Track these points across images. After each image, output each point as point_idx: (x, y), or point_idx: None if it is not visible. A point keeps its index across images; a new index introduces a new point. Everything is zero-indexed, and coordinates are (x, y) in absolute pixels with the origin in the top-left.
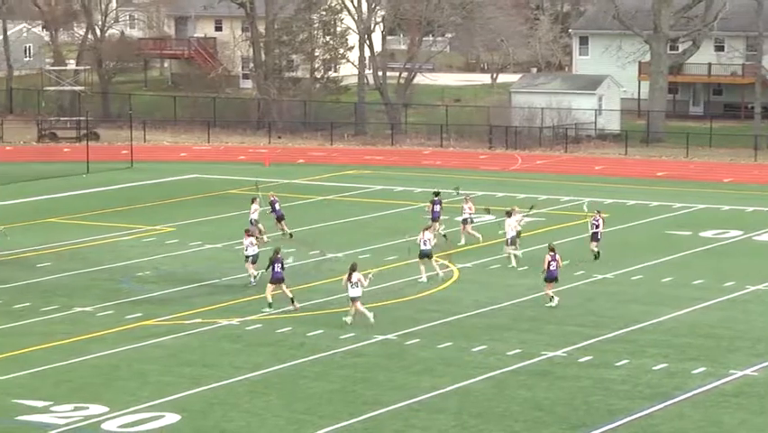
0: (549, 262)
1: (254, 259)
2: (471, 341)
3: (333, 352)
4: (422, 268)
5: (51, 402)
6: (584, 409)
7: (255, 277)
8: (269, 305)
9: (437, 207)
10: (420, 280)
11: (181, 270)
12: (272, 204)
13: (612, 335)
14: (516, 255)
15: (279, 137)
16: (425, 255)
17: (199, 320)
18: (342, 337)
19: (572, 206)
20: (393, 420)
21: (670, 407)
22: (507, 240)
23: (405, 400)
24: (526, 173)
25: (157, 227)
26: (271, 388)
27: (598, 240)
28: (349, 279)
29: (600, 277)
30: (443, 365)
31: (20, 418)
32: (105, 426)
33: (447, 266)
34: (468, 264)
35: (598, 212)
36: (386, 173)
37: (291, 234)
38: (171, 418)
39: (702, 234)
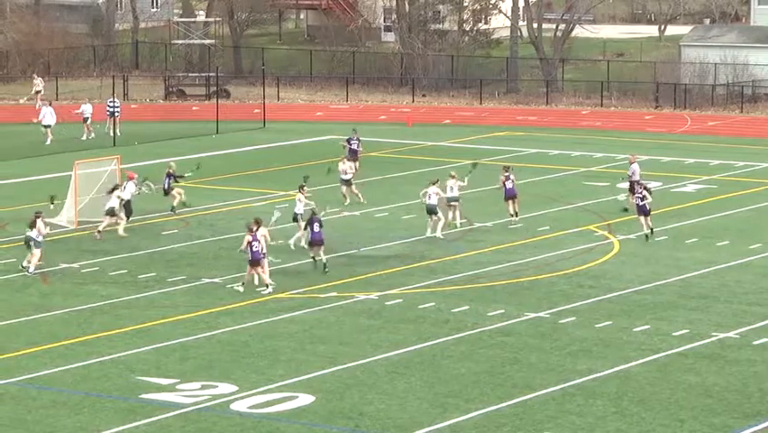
0: None
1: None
2: (633, 320)
3: (479, 330)
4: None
5: (177, 380)
6: (758, 397)
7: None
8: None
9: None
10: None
11: None
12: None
13: None
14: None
15: (424, 95)
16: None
17: (335, 294)
18: (489, 314)
19: (748, 172)
20: (546, 405)
21: None
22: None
23: (559, 383)
24: (697, 135)
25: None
26: (413, 368)
27: None
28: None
29: None
30: (601, 346)
31: (144, 396)
32: (234, 406)
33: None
34: (630, 236)
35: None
36: (540, 135)
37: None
38: (305, 399)
39: None
